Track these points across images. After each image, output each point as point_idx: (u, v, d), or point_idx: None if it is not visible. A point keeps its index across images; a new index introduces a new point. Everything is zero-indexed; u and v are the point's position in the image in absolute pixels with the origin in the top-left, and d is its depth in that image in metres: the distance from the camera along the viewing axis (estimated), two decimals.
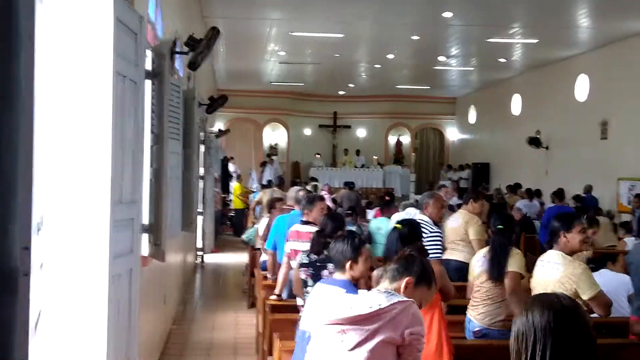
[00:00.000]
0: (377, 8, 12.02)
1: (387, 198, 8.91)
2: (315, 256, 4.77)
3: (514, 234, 4.89)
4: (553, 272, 3.92)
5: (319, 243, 4.76)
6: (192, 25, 9.30)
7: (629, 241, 8.66)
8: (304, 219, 5.81)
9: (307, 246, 4.97)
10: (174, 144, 5.35)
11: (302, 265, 4.80)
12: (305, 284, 4.74)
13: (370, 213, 10.04)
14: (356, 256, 3.64)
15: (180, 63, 7.28)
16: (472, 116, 24.47)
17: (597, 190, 13.82)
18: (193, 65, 5.99)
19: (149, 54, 4.47)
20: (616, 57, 14.36)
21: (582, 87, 16.04)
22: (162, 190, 4.46)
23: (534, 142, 17.72)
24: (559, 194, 11.68)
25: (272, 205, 8.37)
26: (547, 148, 17.57)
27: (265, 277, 6.70)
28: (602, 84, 15.08)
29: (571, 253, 3.99)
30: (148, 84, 4.41)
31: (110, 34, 2.99)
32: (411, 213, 7.06)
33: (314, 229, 5.27)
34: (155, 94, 4.45)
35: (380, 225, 7.84)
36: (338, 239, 3.80)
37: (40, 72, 1.78)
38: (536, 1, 11.47)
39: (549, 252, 4.11)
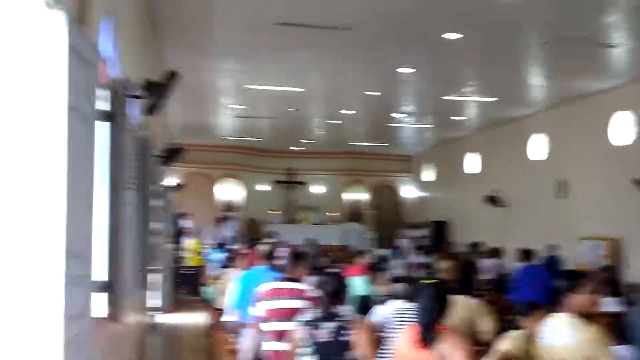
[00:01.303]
0: (334, 62, 11.89)
1: None
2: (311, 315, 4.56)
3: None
4: (562, 338, 3.54)
5: (328, 305, 4.52)
6: (146, 72, 8.94)
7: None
8: (287, 276, 5.42)
9: (285, 304, 4.80)
10: (131, 194, 4.93)
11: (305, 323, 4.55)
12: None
13: None
14: None
15: (136, 109, 6.88)
16: (428, 174, 24.51)
17: (560, 250, 13.66)
18: (151, 110, 5.62)
19: (103, 93, 4.10)
20: (573, 115, 14.51)
21: (539, 146, 16.14)
22: (119, 244, 4.03)
23: (492, 200, 17.70)
24: (527, 253, 11.52)
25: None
26: (505, 206, 17.53)
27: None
28: (559, 142, 15.19)
29: (580, 315, 3.64)
30: (103, 125, 4.02)
31: (64, 62, 2.60)
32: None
33: (298, 286, 5.00)
34: (112, 136, 4.06)
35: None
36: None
37: None
38: (492, 59, 11.49)
39: (556, 315, 3.72)
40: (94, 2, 3.55)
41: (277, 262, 6.36)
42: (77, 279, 3.08)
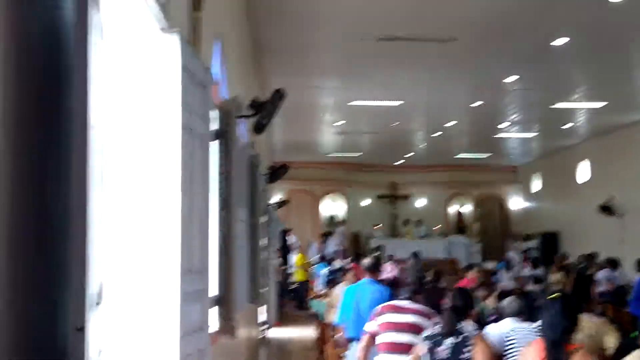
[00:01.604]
0: (437, 74, 11.74)
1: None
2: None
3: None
4: None
5: (453, 322, 4.38)
6: (251, 92, 9.17)
7: None
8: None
9: (403, 318, 4.79)
10: (241, 211, 5.03)
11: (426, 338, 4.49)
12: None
13: None
14: None
15: (243, 128, 7.06)
16: (536, 184, 23.74)
17: None
18: (258, 129, 5.73)
19: (215, 113, 4.21)
20: None
21: None
22: (231, 260, 4.10)
23: (606, 209, 16.91)
24: None
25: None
26: (621, 215, 16.70)
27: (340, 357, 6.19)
28: None
29: None
30: (214, 144, 4.13)
31: (177, 83, 2.69)
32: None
33: (420, 307, 4.93)
34: (223, 154, 4.15)
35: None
36: None
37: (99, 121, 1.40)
38: (602, 63, 11.00)
39: None
40: (205, 26, 3.66)
41: (379, 275, 6.32)
42: (194, 294, 3.15)
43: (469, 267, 10.79)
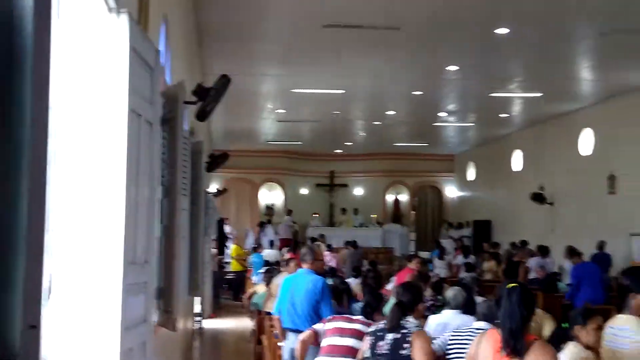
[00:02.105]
0: (379, 61, 11.75)
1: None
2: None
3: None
4: (629, 343, 3.32)
5: (397, 317, 4.33)
6: (194, 77, 8.96)
7: None
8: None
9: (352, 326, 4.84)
10: (183, 199, 4.88)
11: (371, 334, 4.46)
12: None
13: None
14: None
15: (185, 114, 6.87)
16: (471, 173, 24.19)
17: (608, 247, 13.35)
18: (202, 116, 5.57)
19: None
20: (622, 110, 14.12)
21: (587, 141, 15.77)
22: (174, 250, 3.97)
23: (538, 198, 17.34)
24: (575, 251, 11.19)
25: None
26: (551, 204, 17.18)
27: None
28: (608, 137, 14.81)
29: None
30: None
31: (125, 65, 2.55)
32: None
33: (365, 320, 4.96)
34: (166, 141, 4.00)
35: None
36: None
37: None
38: (540, 54, 11.23)
39: (619, 317, 3.49)
40: (152, 7, 3.51)
41: (317, 265, 6.27)
42: (138, 286, 3.03)
43: (411, 256, 10.88)
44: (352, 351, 4.68)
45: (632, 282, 3.45)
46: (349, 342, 4.74)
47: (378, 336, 4.29)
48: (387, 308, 7.32)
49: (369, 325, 4.83)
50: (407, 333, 4.21)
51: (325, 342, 4.90)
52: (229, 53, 11.17)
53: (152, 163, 3.08)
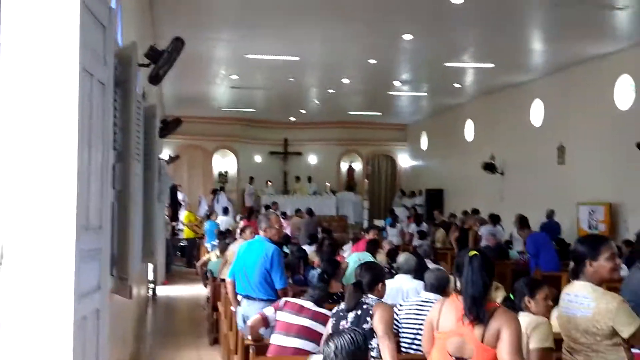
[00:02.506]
0: (335, 28, 11.63)
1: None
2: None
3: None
4: (583, 309, 3.37)
5: (356, 297, 4.30)
6: (146, 40, 8.73)
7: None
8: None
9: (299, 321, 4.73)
10: (137, 165, 4.77)
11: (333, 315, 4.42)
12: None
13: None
14: None
15: (137, 78, 6.69)
16: (424, 142, 24.39)
17: (556, 216, 13.68)
18: (155, 79, 5.43)
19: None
20: (572, 81, 14.38)
21: (537, 112, 16.03)
22: (128, 216, 3.88)
23: (489, 167, 17.60)
24: (524, 220, 11.39)
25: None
26: (502, 173, 17.47)
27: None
28: (557, 108, 15.07)
29: (600, 282, 3.48)
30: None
31: (76, 20, 2.43)
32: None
33: (315, 308, 4.87)
34: (119, 105, 3.88)
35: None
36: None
37: None
38: (492, 24, 11.28)
39: (576, 284, 3.51)
40: None
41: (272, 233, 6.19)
42: (91, 253, 2.95)
43: (369, 228, 11.00)
44: (299, 352, 4.60)
45: (587, 249, 3.49)
46: (295, 342, 4.62)
47: (340, 316, 4.28)
48: (347, 277, 7.40)
49: (316, 318, 4.74)
50: (368, 308, 4.21)
51: (272, 340, 4.79)
52: (181, 16, 10.90)
53: (105, 126, 2.97)
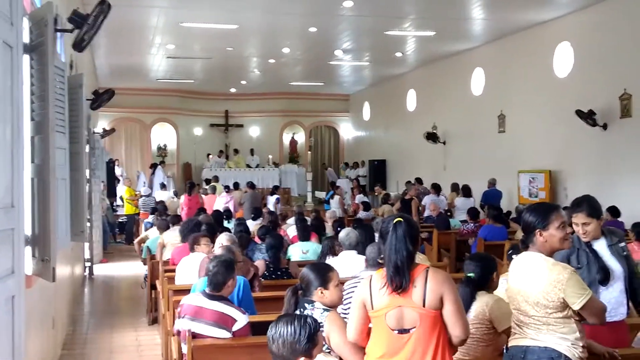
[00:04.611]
0: None
1: None
2: None
3: None
4: (534, 281, 3.24)
5: (291, 305, 3.63)
6: (70, 5, 8.23)
7: None
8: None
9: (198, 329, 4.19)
10: (60, 137, 4.43)
11: None
12: None
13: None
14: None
15: (61, 44, 6.27)
16: (366, 113, 24.31)
17: (497, 184, 13.78)
18: (80, 45, 5.06)
19: (25, 23, 3.58)
20: (512, 49, 14.42)
21: (478, 81, 16.07)
22: (48, 193, 3.58)
23: (431, 137, 17.65)
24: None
25: None
26: (444, 143, 17.54)
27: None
28: (498, 77, 15.13)
29: (551, 253, 3.36)
30: (26, 59, 3.51)
31: None
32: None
33: (213, 306, 4.25)
34: (35, 72, 3.55)
35: None
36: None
37: None
38: None
39: (525, 254, 3.39)
40: None
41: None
42: (1, 234, 2.67)
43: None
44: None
45: (537, 218, 3.35)
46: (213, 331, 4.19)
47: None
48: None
49: (215, 320, 4.20)
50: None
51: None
52: None
53: (14, 93, 2.67)
